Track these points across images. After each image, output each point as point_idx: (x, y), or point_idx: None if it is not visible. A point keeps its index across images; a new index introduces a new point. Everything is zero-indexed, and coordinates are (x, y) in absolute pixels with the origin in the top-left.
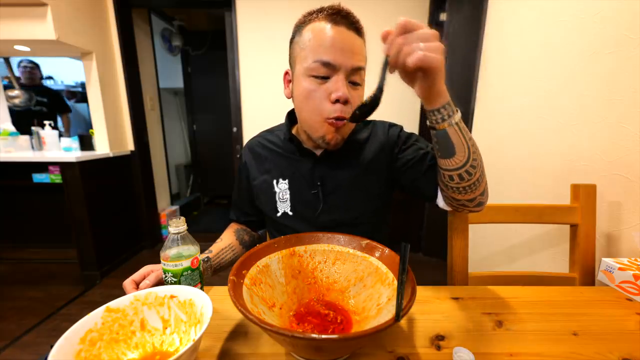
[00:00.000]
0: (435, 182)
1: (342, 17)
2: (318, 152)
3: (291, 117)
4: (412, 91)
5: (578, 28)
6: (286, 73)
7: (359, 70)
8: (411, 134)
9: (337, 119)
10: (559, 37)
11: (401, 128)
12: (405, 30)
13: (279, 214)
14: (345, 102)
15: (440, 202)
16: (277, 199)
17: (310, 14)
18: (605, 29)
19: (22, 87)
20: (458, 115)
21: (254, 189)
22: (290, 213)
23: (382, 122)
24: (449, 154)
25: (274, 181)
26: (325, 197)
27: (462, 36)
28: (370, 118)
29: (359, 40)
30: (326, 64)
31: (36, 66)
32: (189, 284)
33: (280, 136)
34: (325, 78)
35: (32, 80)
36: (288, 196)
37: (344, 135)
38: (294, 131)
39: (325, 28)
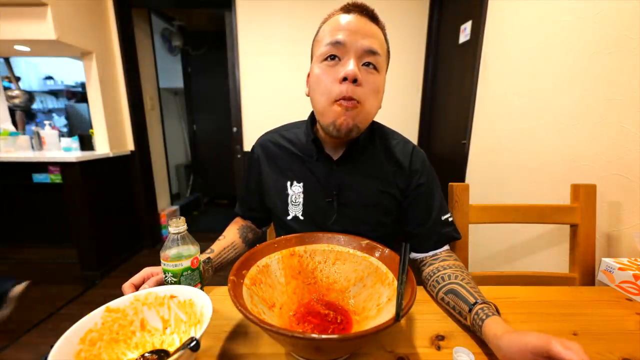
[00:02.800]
0: (424, 248)
1: (355, 7)
2: (335, 157)
3: (313, 118)
4: (412, 97)
5: (578, 28)
6: (308, 75)
7: (371, 53)
8: (431, 176)
9: (345, 99)
10: (559, 37)
11: (424, 158)
12: None
13: (289, 217)
14: (355, 80)
15: (415, 255)
16: (289, 201)
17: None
18: (605, 29)
19: None
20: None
21: (265, 187)
22: (302, 218)
23: (405, 141)
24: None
25: (288, 183)
26: (339, 206)
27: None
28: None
29: (373, 26)
30: (336, 43)
31: None
32: (189, 284)
33: (299, 135)
34: (336, 58)
35: None
36: (301, 200)
37: (358, 123)
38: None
39: (339, 17)
